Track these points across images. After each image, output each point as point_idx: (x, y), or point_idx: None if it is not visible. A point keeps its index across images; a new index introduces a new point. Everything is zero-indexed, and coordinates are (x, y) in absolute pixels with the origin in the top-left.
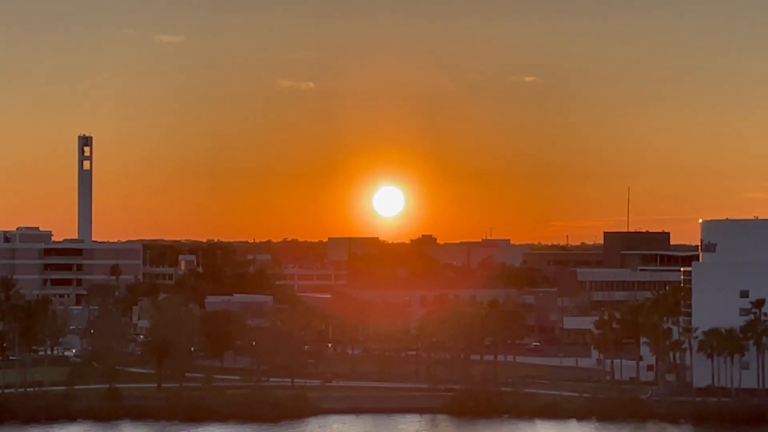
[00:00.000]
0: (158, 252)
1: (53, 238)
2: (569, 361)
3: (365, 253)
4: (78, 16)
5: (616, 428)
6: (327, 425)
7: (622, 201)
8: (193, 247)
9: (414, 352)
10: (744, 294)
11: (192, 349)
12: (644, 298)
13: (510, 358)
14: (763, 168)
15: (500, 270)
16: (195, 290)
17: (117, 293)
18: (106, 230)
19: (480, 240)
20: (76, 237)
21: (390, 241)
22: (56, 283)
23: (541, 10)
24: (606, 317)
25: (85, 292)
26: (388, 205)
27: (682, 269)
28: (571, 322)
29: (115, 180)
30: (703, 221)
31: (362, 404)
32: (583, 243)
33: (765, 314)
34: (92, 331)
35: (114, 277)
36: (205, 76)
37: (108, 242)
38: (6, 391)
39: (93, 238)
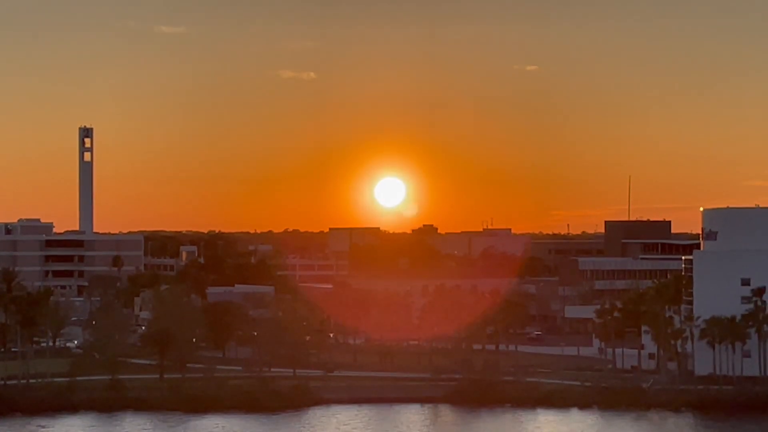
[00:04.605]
0: (159, 243)
1: (54, 230)
2: (571, 350)
3: (366, 243)
4: (78, 8)
5: (618, 417)
6: (329, 415)
7: (623, 190)
8: (195, 238)
9: (415, 342)
10: (745, 282)
11: (194, 339)
12: (645, 287)
13: (511, 347)
14: (764, 156)
15: (501, 259)
16: (196, 281)
17: (118, 284)
18: (107, 222)
19: (481, 229)
20: (77, 228)
21: (391, 231)
22: (58, 274)
23: (542, 0)
24: (607, 306)
25: (86, 284)
26: (389, 195)
27: (683, 257)
28: (573, 311)
29: (116, 171)
30: (704, 209)
31: (364, 394)
32: (584, 232)
33: (766, 302)
34: (94, 322)
35: (115, 269)
36: (206, 67)
37: (109, 234)
38: (8, 382)
39: (94, 230)
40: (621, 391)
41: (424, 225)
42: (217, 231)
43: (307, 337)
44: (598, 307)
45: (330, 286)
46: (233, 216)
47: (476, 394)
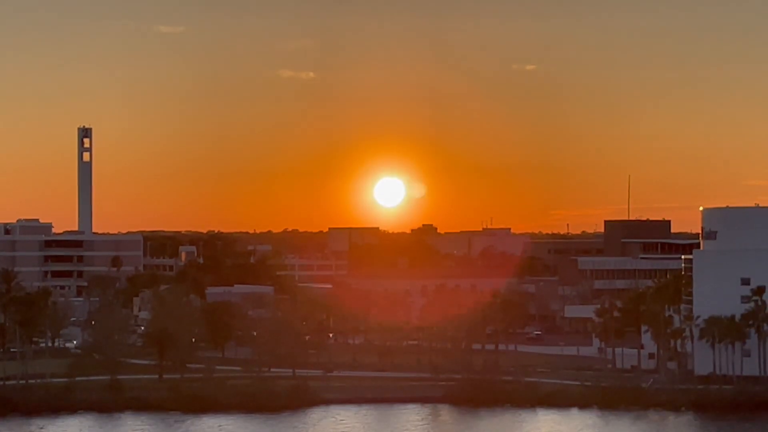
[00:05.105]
0: (159, 243)
1: (53, 230)
2: (570, 350)
3: (366, 243)
4: (77, 7)
5: (618, 417)
6: (328, 415)
7: (623, 189)
8: (194, 238)
9: (415, 342)
10: (745, 281)
11: (193, 340)
12: (645, 287)
13: (511, 347)
14: (764, 155)
15: (501, 259)
16: (196, 281)
17: (118, 285)
18: (106, 222)
19: (480, 229)
20: (76, 229)
21: (390, 231)
22: (57, 274)
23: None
24: (607, 305)
25: (85, 284)
26: (389, 195)
27: (683, 257)
28: (572, 311)
29: (115, 171)
30: (704, 209)
31: (363, 394)
32: (583, 231)
33: (765, 301)
34: (93, 322)
35: (115, 269)
36: (205, 67)
37: (108, 234)
38: (7, 383)
39: (93, 230)
40: (620, 390)
41: (423, 225)
42: (216, 231)
43: (307, 337)
44: (598, 306)
45: (329, 286)
46: (232, 216)
47: (476, 394)
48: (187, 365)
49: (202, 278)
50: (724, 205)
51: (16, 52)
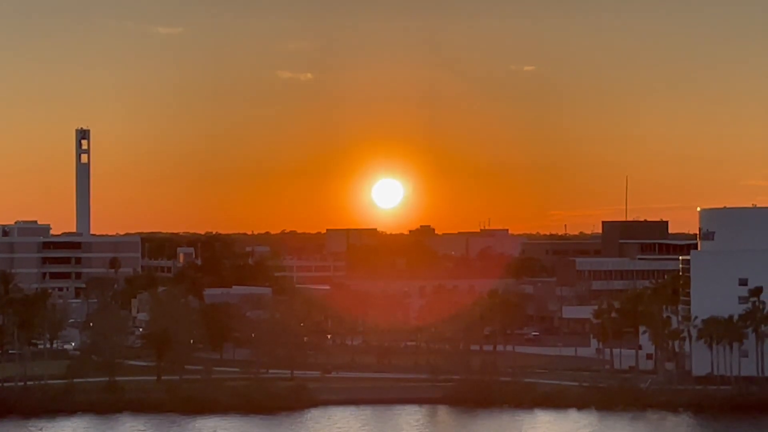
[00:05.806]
0: (157, 245)
1: (51, 232)
2: (568, 351)
3: (364, 244)
4: (76, 8)
5: (616, 417)
6: (327, 416)
7: (620, 190)
8: (192, 240)
9: (413, 343)
10: (743, 282)
11: (191, 341)
12: (643, 287)
13: (509, 347)
14: (761, 155)
15: (499, 260)
16: (194, 282)
17: (116, 286)
18: (104, 223)
19: (478, 230)
20: (74, 230)
21: (388, 232)
22: (55, 276)
23: (540, 0)
24: (605, 306)
25: (84, 285)
26: (387, 196)
27: (680, 258)
28: (570, 312)
29: (114, 173)
30: (701, 209)
31: (362, 395)
32: (581, 232)
33: (763, 302)
34: (91, 324)
35: (113, 270)
36: (204, 68)
37: (106, 235)
38: (5, 384)
39: (91, 232)
40: (618, 391)
41: (421, 226)
42: (214, 232)
43: (305, 338)
44: (596, 307)
45: (327, 287)
46: (230, 217)
47: (474, 395)
48: (186, 366)
49: (200, 279)
50: (721, 206)
51: (15, 53)
